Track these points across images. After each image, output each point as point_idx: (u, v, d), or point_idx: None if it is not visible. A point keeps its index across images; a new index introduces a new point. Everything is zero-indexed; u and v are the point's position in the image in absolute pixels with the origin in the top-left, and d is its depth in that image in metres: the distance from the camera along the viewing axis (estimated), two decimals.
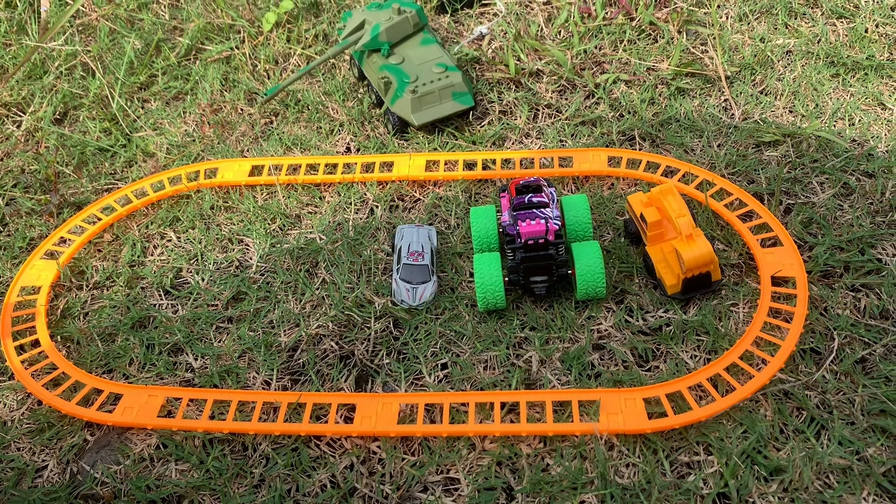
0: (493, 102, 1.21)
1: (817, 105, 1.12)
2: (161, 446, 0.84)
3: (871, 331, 0.85)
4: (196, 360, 0.92)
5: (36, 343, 0.94)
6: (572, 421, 0.80)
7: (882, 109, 1.10)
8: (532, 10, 1.35)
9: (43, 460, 0.85)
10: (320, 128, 1.22)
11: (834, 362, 0.83)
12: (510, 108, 1.20)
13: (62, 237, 1.07)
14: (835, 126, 1.09)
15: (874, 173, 1.01)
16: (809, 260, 0.92)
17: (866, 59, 1.16)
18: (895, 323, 0.85)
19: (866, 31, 1.21)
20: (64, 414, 0.88)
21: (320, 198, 1.10)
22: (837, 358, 0.83)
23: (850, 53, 1.18)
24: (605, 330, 0.89)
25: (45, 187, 1.17)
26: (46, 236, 1.09)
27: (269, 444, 0.83)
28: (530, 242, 0.89)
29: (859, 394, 0.80)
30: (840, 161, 1.03)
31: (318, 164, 1.13)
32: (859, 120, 1.09)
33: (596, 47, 1.25)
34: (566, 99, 1.20)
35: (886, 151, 1.04)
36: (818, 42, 1.22)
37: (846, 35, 1.21)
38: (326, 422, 0.83)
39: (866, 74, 1.15)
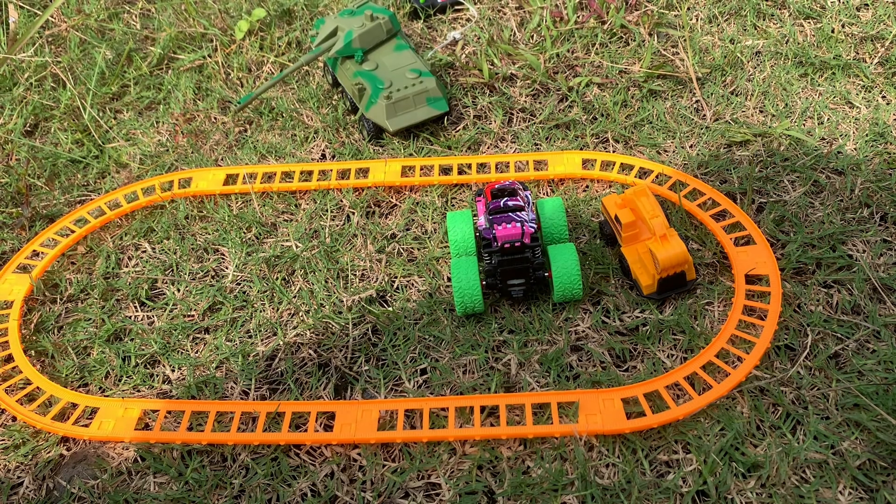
0: (467, 107, 1.21)
1: (787, 104, 1.14)
2: (139, 459, 0.83)
3: (844, 326, 0.86)
4: (173, 371, 0.92)
5: (9, 358, 0.93)
6: (552, 423, 0.80)
7: (849, 108, 1.12)
8: (504, 14, 1.36)
9: (18, 477, 0.83)
10: (295, 135, 1.21)
11: (808, 358, 0.84)
12: (485, 112, 1.20)
13: (35, 250, 1.06)
14: (804, 125, 1.11)
15: (843, 171, 1.03)
16: (782, 258, 0.93)
17: (833, 58, 1.18)
18: (867, 318, 0.87)
19: (833, 31, 1.23)
20: (39, 429, 0.87)
21: (296, 205, 1.10)
22: (811, 354, 0.84)
23: (818, 53, 1.20)
24: (583, 331, 0.90)
25: (17, 200, 1.16)
26: (18, 250, 1.07)
27: (249, 454, 0.82)
28: (507, 246, 0.90)
29: (833, 388, 0.81)
30: (810, 159, 1.05)
31: (294, 172, 1.13)
32: (828, 118, 1.11)
33: (568, 51, 1.26)
34: (540, 102, 1.20)
35: (854, 149, 1.05)
36: (786, 42, 1.23)
37: (813, 35, 1.23)
38: (306, 430, 0.83)
39: (834, 74, 1.17)
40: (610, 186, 1.06)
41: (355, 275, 0.99)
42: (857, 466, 0.75)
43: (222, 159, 1.19)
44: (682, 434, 0.79)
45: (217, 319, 0.96)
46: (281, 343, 0.92)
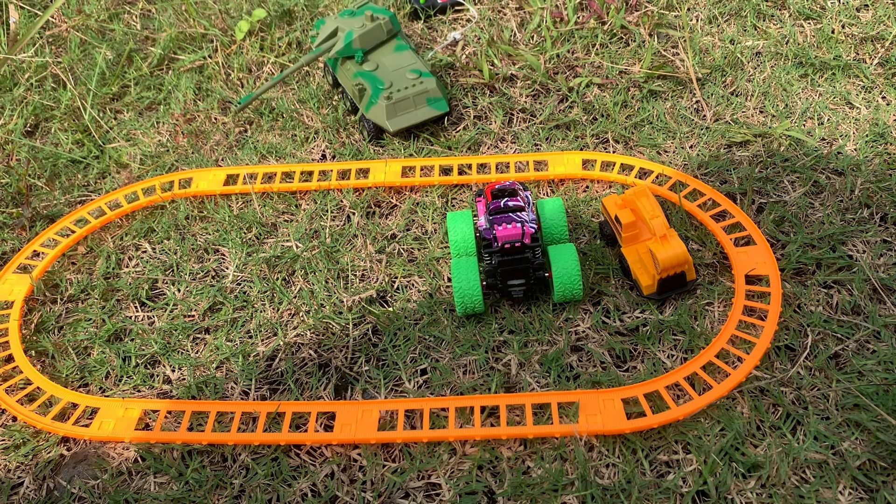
0: (467, 107, 1.21)
1: (787, 105, 1.14)
2: (139, 459, 0.83)
3: (844, 326, 0.86)
4: (173, 371, 0.92)
5: (10, 358, 0.93)
6: (552, 423, 0.80)
7: (849, 108, 1.12)
8: (505, 15, 1.36)
9: (19, 477, 0.84)
10: (295, 136, 1.21)
11: (808, 358, 0.84)
12: (485, 112, 1.20)
13: (35, 250, 1.06)
14: (804, 125, 1.11)
15: (843, 171, 1.03)
16: (782, 258, 0.93)
17: (833, 59, 1.18)
18: (867, 318, 0.87)
19: (833, 32, 1.23)
20: (39, 429, 0.87)
21: (296, 206, 1.10)
22: (811, 354, 0.84)
23: (818, 54, 1.20)
24: (583, 331, 0.90)
25: (17, 200, 1.16)
26: (19, 250, 1.07)
27: (249, 454, 0.82)
28: (507, 246, 0.90)
29: (833, 389, 0.81)
30: (810, 160, 1.05)
31: (294, 172, 1.13)
32: (828, 119, 1.11)
33: (568, 51, 1.26)
34: (540, 103, 1.20)
35: (854, 149, 1.05)
36: (786, 43, 1.23)
37: (813, 36, 1.23)
38: (306, 430, 0.83)
39: (834, 74, 1.17)
40: (610, 187, 1.06)
41: (355, 275, 0.99)
42: (857, 466, 0.75)
43: (223, 159, 1.19)
44: (683, 434, 0.79)
45: (217, 319, 0.96)
46: (281, 343, 0.92)
